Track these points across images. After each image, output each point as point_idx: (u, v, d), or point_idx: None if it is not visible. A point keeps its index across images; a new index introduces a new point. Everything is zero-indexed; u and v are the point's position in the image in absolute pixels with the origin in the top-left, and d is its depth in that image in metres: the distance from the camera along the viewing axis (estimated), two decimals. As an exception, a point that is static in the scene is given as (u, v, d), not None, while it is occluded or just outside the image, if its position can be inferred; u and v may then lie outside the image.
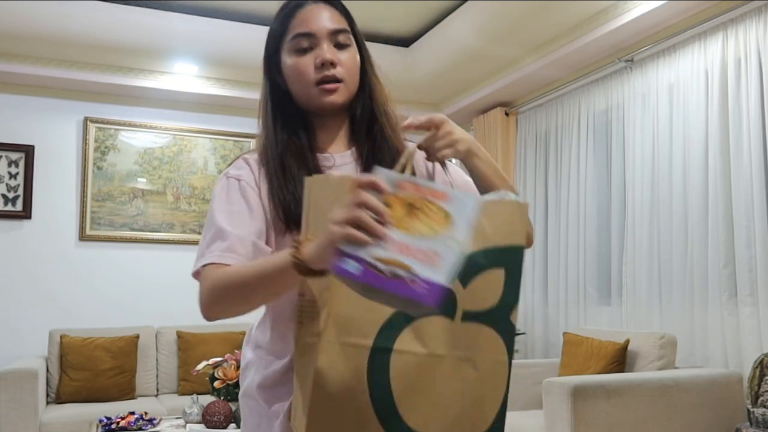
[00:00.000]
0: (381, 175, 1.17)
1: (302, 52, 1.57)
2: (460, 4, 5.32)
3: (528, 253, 6.22)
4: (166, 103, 6.64)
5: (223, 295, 1.42)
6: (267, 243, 1.54)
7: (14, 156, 6.14)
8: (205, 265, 1.47)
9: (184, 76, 6.37)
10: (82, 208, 6.31)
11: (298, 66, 1.57)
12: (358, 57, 1.63)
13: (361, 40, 1.66)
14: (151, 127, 6.59)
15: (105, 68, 6.14)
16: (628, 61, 5.22)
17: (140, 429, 3.90)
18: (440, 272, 1.11)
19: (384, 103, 1.68)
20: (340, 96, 1.58)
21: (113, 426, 3.90)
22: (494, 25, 5.36)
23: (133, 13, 5.29)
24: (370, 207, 1.12)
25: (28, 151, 6.17)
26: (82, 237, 6.30)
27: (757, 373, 3.74)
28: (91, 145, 6.37)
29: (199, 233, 6.62)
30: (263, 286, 1.37)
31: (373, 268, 1.10)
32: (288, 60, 1.59)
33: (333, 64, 1.56)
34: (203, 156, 6.79)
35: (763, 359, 3.74)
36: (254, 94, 6.44)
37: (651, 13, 4.73)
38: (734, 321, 4.32)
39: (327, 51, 1.56)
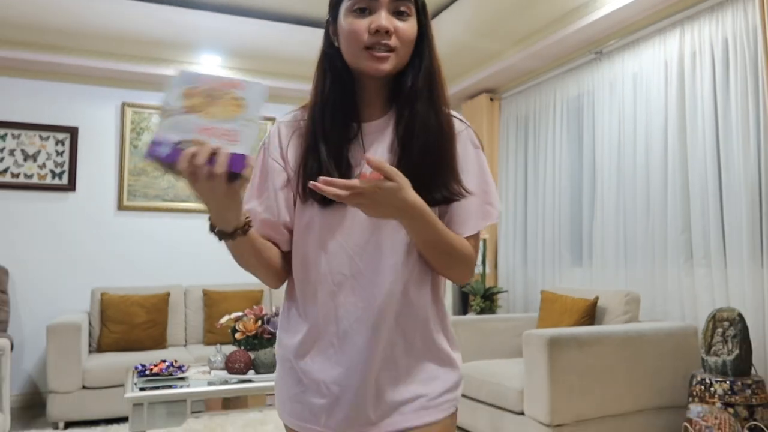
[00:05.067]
0: (180, 75, 1.25)
1: (359, 13, 1.36)
2: (451, 2, 5.28)
3: (510, 221, 6.26)
4: (192, 90, 6.59)
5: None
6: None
7: (61, 136, 6.13)
8: None
9: (208, 66, 6.34)
10: (120, 181, 6.30)
11: (352, 27, 1.36)
12: (416, 28, 1.40)
13: (424, 11, 1.43)
14: (179, 111, 6.53)
15: (140, 59, 6.11)
16: (597, 53, 5.19)
17: (171, 375, 3.89)
18: (240, 146, 1.16)
19: (433, 76, 1.44)
20: (388, 65, 1.37)
21: (147, 372, 3.89)
22: (481, 20, 5.33)
23: (164, 11, 5.25)
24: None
25: (73, 132, 6.16)
26: (120, 207, 6.29)
27: (710, 326, 3.73)
28: (128, 126, 6.34)
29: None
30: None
31: (179, 148, 1.15)
32: (344, 19, 1.39)
33: (388, 33, 1.35)
34: (226, 136, 6.74)
35: (715, 314, 3.72)
36: (273, 83, 6.53)
37: (618, 11, 4.69)
38: (690, 280, 4.32)
39: (384, 18, 1.34)
